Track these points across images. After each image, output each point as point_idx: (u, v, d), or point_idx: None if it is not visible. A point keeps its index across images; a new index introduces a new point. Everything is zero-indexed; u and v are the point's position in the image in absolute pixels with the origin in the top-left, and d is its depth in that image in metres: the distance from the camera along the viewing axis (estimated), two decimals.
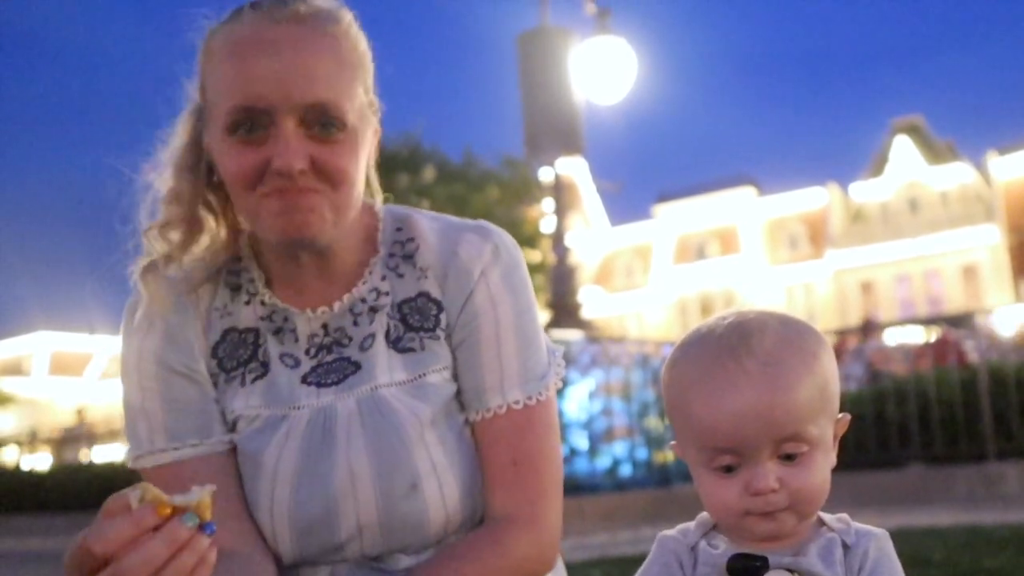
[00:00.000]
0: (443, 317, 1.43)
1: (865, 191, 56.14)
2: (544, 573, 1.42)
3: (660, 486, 9.47)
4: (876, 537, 1.11)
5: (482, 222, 1.50)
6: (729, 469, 1.09)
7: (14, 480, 17.81)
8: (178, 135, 1.42)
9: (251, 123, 1.28)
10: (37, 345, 62.98)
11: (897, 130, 56.29)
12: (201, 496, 1.02)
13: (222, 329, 1.44)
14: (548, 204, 15.23)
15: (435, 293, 1.44)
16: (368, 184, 1.48)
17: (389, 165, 12.43)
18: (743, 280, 56.74)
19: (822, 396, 1.10)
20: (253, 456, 1.38)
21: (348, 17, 1.37)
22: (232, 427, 1.42)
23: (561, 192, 12.46)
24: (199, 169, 1.40)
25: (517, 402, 1.40)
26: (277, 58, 1.28)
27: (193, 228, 1.41)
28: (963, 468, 8.65)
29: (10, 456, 19.91)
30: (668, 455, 9.76)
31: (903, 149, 55.13)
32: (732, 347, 1.09)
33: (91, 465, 16.44)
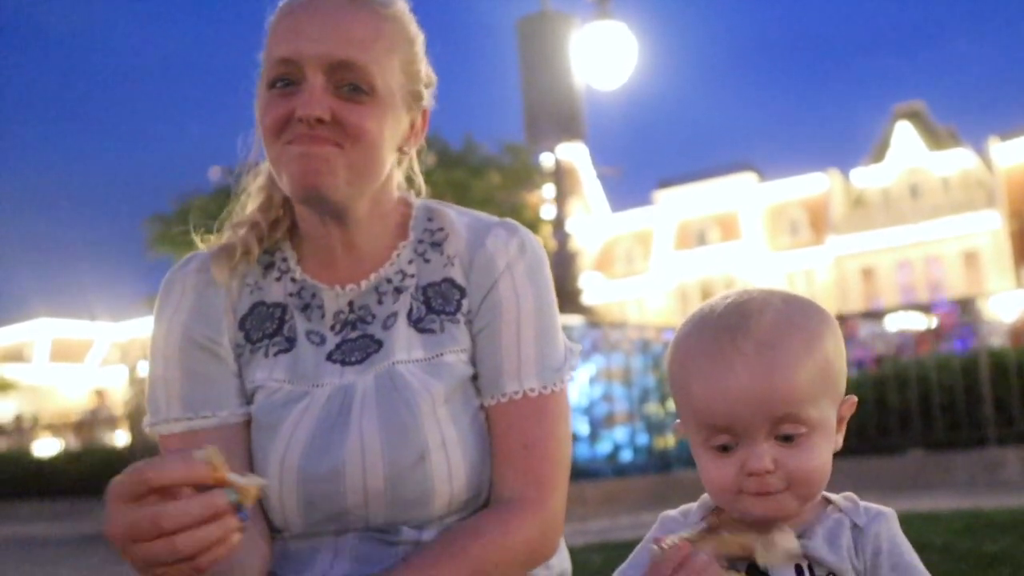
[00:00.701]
0: (465, 303, 1.47)
1: (866, 177, 56.08)
2: (547, 556, 1.45)
3: (661, 471, 9.49)
4: (887, 517, 1.11)
5: (510, 220, 1.55)
6: (726, 448, 1.09)
7: (18, 466, 17.85)
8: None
9: (287, 78, 1.35)
10: (38, 332, 63.05)
11: (898, 116, 56.21)
12: (252, 483, 1.07)
13: (251, 303, 1.50)
14: (548, 190, 15.22)
15: (460, 280, 1.48)
16: (412, 180, 1.59)
17: None
18: (744, 266, 56.73)
19: (823, 378, 1.09)
20: (270, 426, 1.42)
21: (401, 5, 1.45)
22: (250, 399, 1.47)
23: (561, 178, 12.42)
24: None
25: (532, 389, 1.44)
26: (316, 17, 1.36)
27: (270, 211, 1.52)
28: (964, 453, 8.66)
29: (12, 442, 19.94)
30: (669, 440, 9.78)
31: (904, 135, 55.05)
32: (730, 327, 1.10)
33: (94, 450, 16.45)
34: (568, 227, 12.05)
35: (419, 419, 1.39)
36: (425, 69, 1.50)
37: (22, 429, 20.07)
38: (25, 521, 14.40)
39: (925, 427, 9.04)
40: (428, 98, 1.52)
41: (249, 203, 1.54)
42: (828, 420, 1.10)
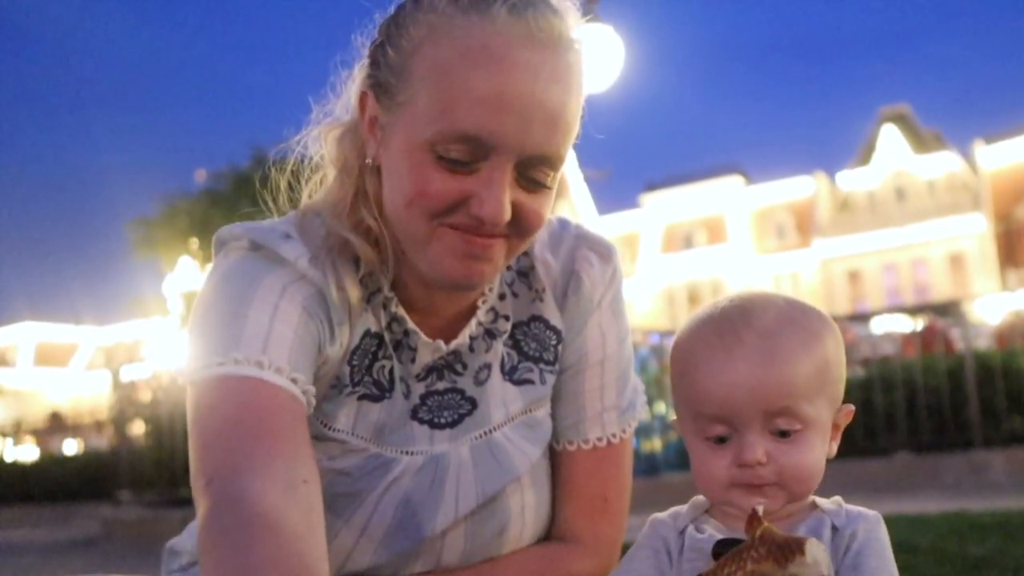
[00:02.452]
0: (562, 348, 1.34)
1: (852, 180, 56.30)
2: None
3: (648, 475, 9.47)
4: (867, 519, 1.09)
5: (594, 235, 1.36)
6: (721, 440, 1.09)
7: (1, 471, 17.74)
8: (348, 101, 1.25)
9: (468, 158, 1.10)
10: (22, 335, 62.74)
11: (884, 119, 56.46)
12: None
13: (362, 331, 1.23)
14: None
15: (554, 320, 1.33)
16: None
17: None
18: (730, 269, 56.86)
19: (820, 376, 1.09)
20: (352, 495, 1.23)
21: (587, 45, 1.17)
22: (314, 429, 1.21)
23: None
24: (363, 154, 1.23)
25: (615, 435, 1.37)
26: (528, 93, 1.08)
27: (366, 199, 1.22)
28: (950, 456, 8.68)
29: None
30: (656, 444, 9.77)
31: (890, 138, 55.29)
32: (733, 320, 1.11)
33: (76, 456, 16.37)
34: None
35: (508, 494, 1.30)
36: None
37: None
38: (8, 526, 14.30)
39: (911, 429, 9.06)
40: None
41: (327, 196, 1.25)
42: (824, 420, 1.10)
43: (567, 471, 1.36)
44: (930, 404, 9.00)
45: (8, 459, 18.70)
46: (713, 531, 1.11)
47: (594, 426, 1.35)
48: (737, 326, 1.10)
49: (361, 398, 1.24)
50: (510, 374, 1.32)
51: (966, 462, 8.54)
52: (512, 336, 1.32)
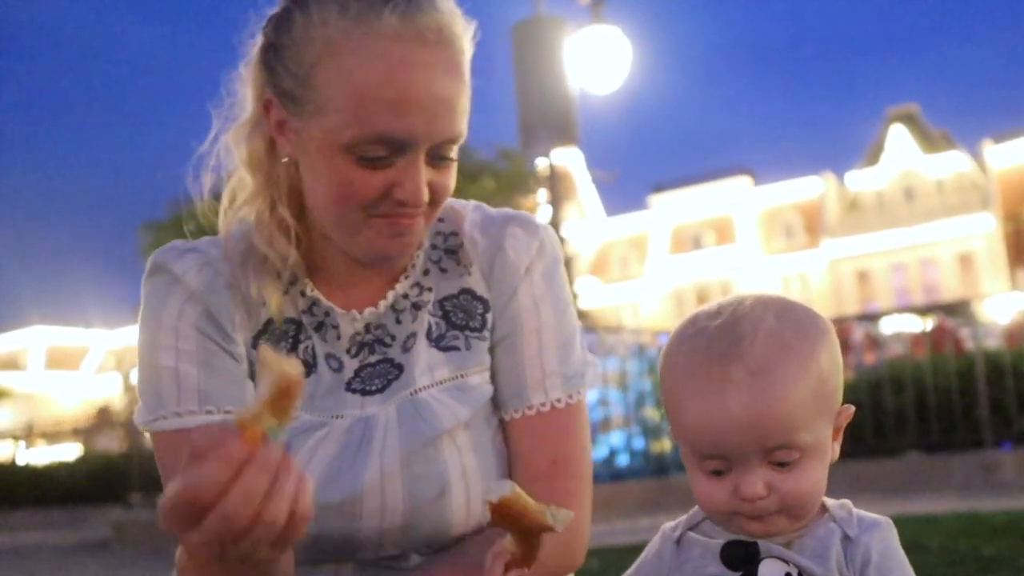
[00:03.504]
0: (489, 317, 1.40)
1: (861, 180, 56.17)
2: (571, 570, 1.40)
3: (657, 476, 9.48)
4: (880, 528, 1.08)
5: (525, 214, 1.45)
6: (719, 472, 1.07)
7: (11, 475, 17.80)
8: (246, 105, 1.33)
9: (383, 151, 1.21)
10: (33, 339, 62.95)
11: (893, 119, 56.31)
12: (268, 397, 0.88)
13: (265, 319, 1.36)
14: (543, 195, 15.22)
15: (480, 291, 1.40)
16: None
17: None
18: (739, 270, 56.75)
19: (817, 399, 1.06)
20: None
21: (471, 27, 1.30)
22: None
23: (556, 182, 12.42)
24: (274, 153, 1.32)
25: (559, 400, 1.38)
26: (429, 91, 1.21)
27: (282, 195, 1.33)
28: (960, 455, 8.66)
29: (7, 450, 19.89)
30: (665, 444, 9.77)
31: (899, 138, 55.16)
32: (721, 354, 1.06)
33: (87, 459, 16.42)
34: (563, 232, 12.06)
35: (442, 451, 1.32)
36: None
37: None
38: (20, 529, 14.35)
39: (922, 429, 9.04)
40: None
41: (243, 209, 1.36)
42: (823, 441, 1.08)
43: (515, 440, 1.39)
44: (940, 404, 8.98)
45: (20, 462, 18.76)
46: (720, 533, 1.11)
47: (536, 392, 1.38)
48: (726, 360, 1.05)
49: None
50: (437, 341, 1.38)
51: (976, 462, 8.52)
52: (442, 307, 1.40)
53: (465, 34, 1.28)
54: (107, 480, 14.28)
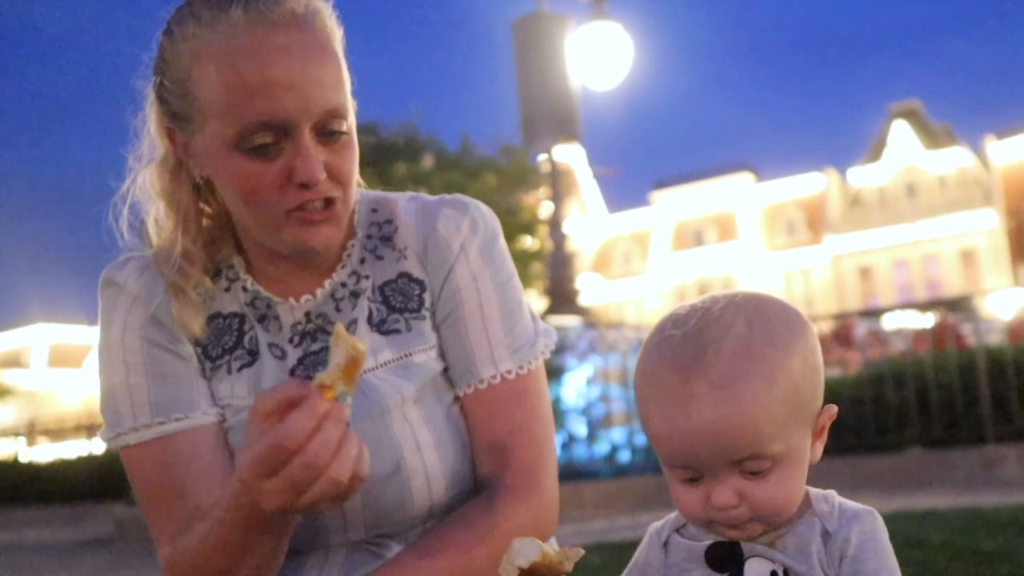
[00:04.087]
0: (427, 297, 1.42)
1: (863, 176, 56.17)
2: (543, 540, 1.41)
3: (658, 472, 9.30)
4: (860, 520, 1.06)
5: (459, 196, 1.49)
6: (693, 479, 1.06)
7: (14, 472, 17.84)
8: (151, 133, 1.39)
9: (270, 143, 1.25)
10: (36, 337, 63.05)
11: (895, 115, 56.31)
12: (340, 365, 1.05)
13: (207, 314, 1.41)
14: (545, 191, 15.22)
15: (416, 273, 1.43)
16: None
17: (387, 154, 12.37)
18: (741, 266, 56.76)
19: (788, 407, 1.03)
20: (238, 446, 1.31)
21: (327, 7, 1.33)
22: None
23: (558, 179, 12.44)
24: (182, 168, 1.37)
25: (509, 371, 1.40)
26: (292, 69, 1.24)
27: (187, 222, 1.39)
28: (962, 451, 8.65)
29: (10, 448, 19.94)
30: None
31: (901, 134, 55.16)
32: (684, 367, 1.03)
33: (90, 456, 16.44)
34: (565, 228, 12.06)
35: (391, 425, 1.34)
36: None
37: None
38: (23, 526, 14.37)
39: (923, 425, 9.03)
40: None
41: (161, 232, 1.42)
42: (797, 447, 1.05)
43: (471, 415, 1.41)
44: (942, 400, 8.98)
45: (23, 460, 18.79)
46: (702, 534, 1.11)
47: (486, 365, 1.40)
48: (688, 373, 1.02)
49: (240, 368, 1.39)
50: (378, 326, 1.41)
51: (978, 458, 8.51)
52: (382, 293, 1.42)
53: (322, 12, 1.31)
54: (109, 477, 14.30)
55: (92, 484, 15.13)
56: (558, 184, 12.45)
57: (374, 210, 1.47)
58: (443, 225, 1.43)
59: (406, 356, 1.40)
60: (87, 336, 63.88)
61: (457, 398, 1.42)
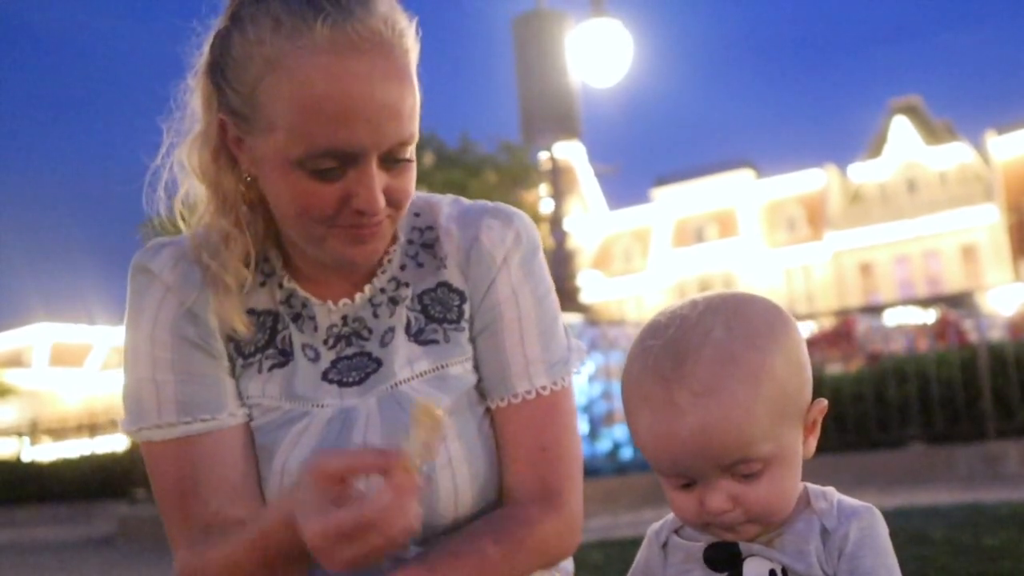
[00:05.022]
0: (466, 308, 1.41)
1: (863, 172, 56.15)
2: (564, 556, 1.41)
3: None
4: (859, 517, 1.05)
5: (501, 205, 1.46)
6: (686, 484, 1.06)
7: (16, 471, 17.85)
8: (195, 109, 1.34)
9: (333, 163, 1.22)
10: (37, 336, 63.06)
11: (895, 111, 56.30)
12: (427, 431, 1.10)
13: (247, 308, 1.38)
14: (545, 188, 15.22)
15: (457, 283, 1.41)
16: None
17: None
18: (742, 263, 56.75)
19: (775, 408, 1.02)
20: (266, 448, 1.34)
21: (411, 25, 1.28)
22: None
23: (558, 176, 12.43)
24: (224, 155, 1.33)
25: (544, 387, 1.39)
26: (371, 102, 1.20)
27: (228, 204, 1.34)
28: (964, 447, 8.65)
29: (12, 447, 19.95)
30: None
31: (901, 130, 55.13)
32: (664, 377, 1.02)
33: (92, 455, 16.46)
34: (566, 225, 12.06)
35: None
36: None
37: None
38: (25, 525, 14.39)
39: (925, 421, 9.04)
40: None
41: (194, 213, 1.38)
42: (788, 446, 1.05)
43: (502, 428, 1.39)
44: (943, 396, 8.98)
45: (26, 459, 18.80)
46: (702, 536, 1.10)
47: (521, 380, 1.38)
48: (670, 382, 1.02)
49: (271, 368, 1.37)
50: (416, 336, 1.39)
51: (980, 453, 8.52)
52: (420, 302, 1.40)
53: (406, 33, 1.26)
54: (112, 476, 14.31)
55: (94, 483, 15.15)
56: (558, 181, 12.43)
57: (417, 214, 1.44)
58: (487, 236, 1.41)
59: (442, 367, 1.38)
60: (88, 335, 63.92)
61: (488, 410, 1.41)
